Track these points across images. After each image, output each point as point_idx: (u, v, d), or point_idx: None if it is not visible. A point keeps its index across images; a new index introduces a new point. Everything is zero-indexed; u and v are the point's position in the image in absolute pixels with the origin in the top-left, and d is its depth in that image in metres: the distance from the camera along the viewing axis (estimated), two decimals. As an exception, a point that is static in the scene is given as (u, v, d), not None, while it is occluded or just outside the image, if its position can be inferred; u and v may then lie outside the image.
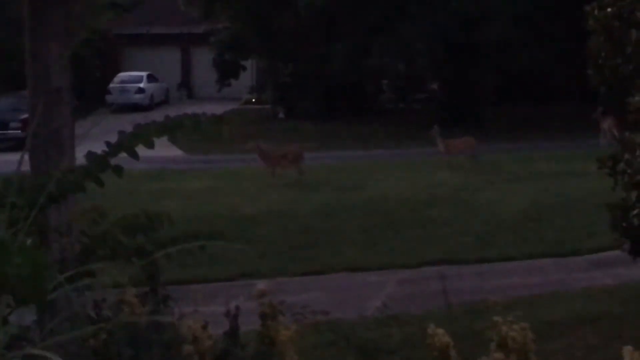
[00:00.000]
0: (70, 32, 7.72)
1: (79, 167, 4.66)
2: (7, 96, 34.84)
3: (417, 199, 20.69)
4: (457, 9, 33.57)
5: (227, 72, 45.32)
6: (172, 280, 7.28)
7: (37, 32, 7.86)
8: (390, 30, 35.51)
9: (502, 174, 24.07)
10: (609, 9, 10.61)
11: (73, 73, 8.24)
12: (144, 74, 47.59)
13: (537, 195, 20.47)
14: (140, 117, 5.04)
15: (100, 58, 46.39)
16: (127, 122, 4.61)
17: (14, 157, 4.63)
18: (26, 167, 7.59)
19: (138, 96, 45.99)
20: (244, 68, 45.80)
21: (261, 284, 6.02)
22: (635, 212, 9.96)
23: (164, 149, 28.29)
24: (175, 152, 31.02)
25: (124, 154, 4.49)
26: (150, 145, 4.47)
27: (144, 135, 4.45)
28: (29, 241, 3.88)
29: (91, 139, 6.29)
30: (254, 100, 47.97)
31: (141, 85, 46.95)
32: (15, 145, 30.59)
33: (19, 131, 32.62)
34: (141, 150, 4.63)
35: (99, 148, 4.63)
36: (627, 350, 4.77)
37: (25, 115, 26.50)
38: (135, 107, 43.03)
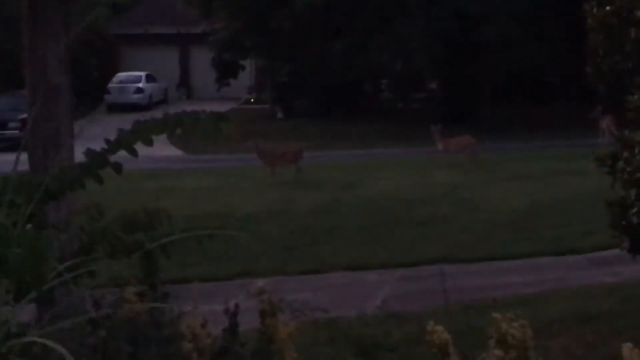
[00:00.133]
0: (69, 30, 7.70)
1: (77, 164, 4.66)
2: (6, 96, 34.83)
3: (416, 198, 20.70)
4: (457, 8, 33.57)
5: (226, 71, 45.32)
6: (172, 279, 7.28)
7: (35, 30, 7.86)
8: (388, 28, 35.50)
9: (501, 173, 24.09)
10: (607, 7, 10.60)
11: (72, 73, 8.23)
12: (142, 74, 47.59)
13: (537, 194, 20.48)
14: (139, 117, 5.04)
15: (99, 58, 46.47)
16: (126, 122, 4.60)
17: (13, 157, 4.62)
18: (26, 167, 7.59)
19: (137, 96, 45.98)
20: (243, 68, 45.82)
21: (260, 283, 6.02)
22: (634, 210, 9.95)
23: (164, 149, 28.35)
24: (174, 152, 31.06)
25: (123, 155, 4.48)
26: (149, 142, 4.46)
27: (143, 132, 4.45)
28: (28, 226, 3.87)
29: (90, 138, 6.29)
30: (252, 100, 47.97)
31: (140, 85, 46.94)
32: (14, 145, 30.55)
33: (18, 131, 32.59)
34: (141, 150, 4.63)
35: (98, 148, 4.63)
36: (627, 347, 4.78)
37: (24, 115, 26.46)
38: (134, 107, 42.99)
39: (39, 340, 3.38)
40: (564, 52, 33.93)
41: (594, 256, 15.07)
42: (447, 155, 25.71)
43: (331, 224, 18.40)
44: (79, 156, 4.80)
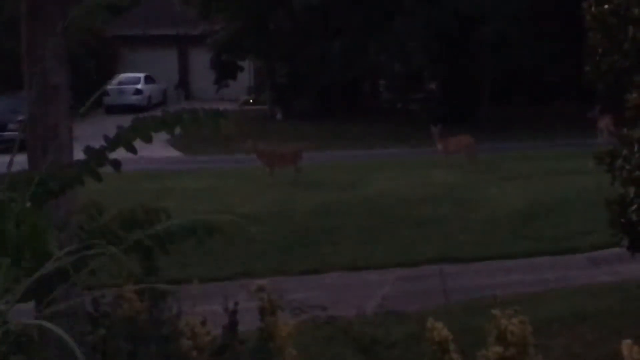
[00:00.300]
0: (67, 30, 7.70)
1: (76, 161, 4.65)
2: (5, 97, 34.78)
3: (415, 198, 20.69)
4: (456, 8, 33.57)
5: (224, 72, 45.29)
6: (172, 279, 7.28)
7: (34, 29, 7.85)
8: (387, 28, 35.50)
9: (500, 172, 24.07)
10: (606, 6, 10.61)
11: (71, 74, 8.23)
12: (141, 75, 47.54)
13: (536, 193, 20.47)
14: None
15: (98, 59, 46.40)
16: (124, 123, 4.58)
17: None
18: (25, 167, 7.58)
19: (135, 97, 45.93)
20: (242, 69, 45.80)
21: (260, 282, 6.03)
22: (633, 207, 9.96)
23: (163, 151, 28.35)
24: (173, 153, 31.05)
25: (123, 156, 4.47)
26: (148, 139, 4.45)
27: (142, 129, 4.44)
28: (28, 204, 3.87)
29: (89, 139, 6.28)
30: (251, 101, 47.94)
31: (139, 86, 46.90)
32: (13, 146, 30.51)
33: (17, 132, 32.54)
34: (141, 151, 4.62)
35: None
36: (626, 344, 4.77)
37: (23, 117, 26.45)
38: (132, 108, 42.88)
39: (38, 323, 3.35)
40: (563, 51, 33.94)
41: (593, 255, 15.08)
42: (447, 155, 25.69)
43: (331, 224, 18.39)
44: (79, 156, 4.80)
